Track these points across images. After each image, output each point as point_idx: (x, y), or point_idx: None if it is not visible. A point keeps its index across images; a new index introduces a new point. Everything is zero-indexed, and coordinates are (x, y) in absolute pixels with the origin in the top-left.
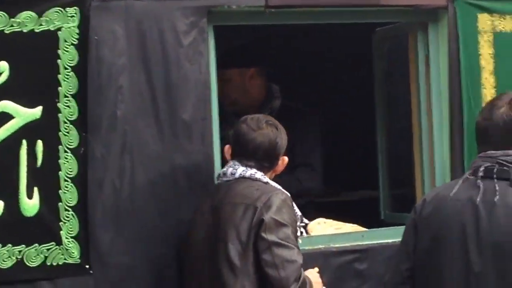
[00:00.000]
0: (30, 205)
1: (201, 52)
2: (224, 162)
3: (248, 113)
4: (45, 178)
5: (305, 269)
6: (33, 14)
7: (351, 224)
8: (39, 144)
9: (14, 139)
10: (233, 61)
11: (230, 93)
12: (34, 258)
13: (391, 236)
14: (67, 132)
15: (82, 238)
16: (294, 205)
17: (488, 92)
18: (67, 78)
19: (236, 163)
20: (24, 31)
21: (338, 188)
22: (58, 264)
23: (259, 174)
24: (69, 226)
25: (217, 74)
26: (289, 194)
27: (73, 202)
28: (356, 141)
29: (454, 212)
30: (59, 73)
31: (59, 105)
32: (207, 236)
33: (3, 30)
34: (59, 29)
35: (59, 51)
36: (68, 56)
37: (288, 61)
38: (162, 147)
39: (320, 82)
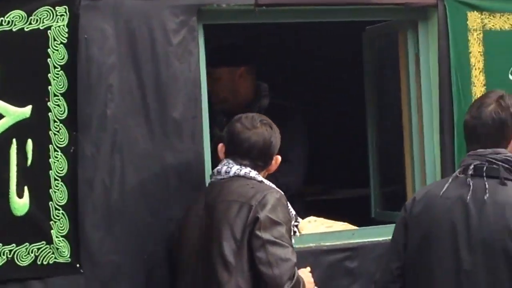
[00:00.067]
0: (21, 204)
1: (190, 51)
2: (216, 161)
3: (236, 111)
4: (35, 177)
5: (297, 268)
6: (22, 13)
7: (341, 223)
8: (29, 143)
9: (4, 138)
10: (222, 60)
11: (219, 91)
12: (24, 257)
13: (382, 234)
14: (57, 131)
15: (72, 237)
16: (289, 204)
17: (478, 90)
18: (57, 77)
19: (231, 161)
20: (14, 30)
21: (327, 186)
22: (48, 263)
23: (253, 173)
24: (59, 225)
25: (207, 73)
26: (283, 193)
27: (64, 201)
28: (347, 139)
29: (444, 210)
30: (49, 72)
31: (49, 104)
32: (201, 234)
33: None
34: (48, 28)
35: (49, 50)
36: (57, 55)
37: (279, 60)
38: (152, 145)
39: (310, 80)
